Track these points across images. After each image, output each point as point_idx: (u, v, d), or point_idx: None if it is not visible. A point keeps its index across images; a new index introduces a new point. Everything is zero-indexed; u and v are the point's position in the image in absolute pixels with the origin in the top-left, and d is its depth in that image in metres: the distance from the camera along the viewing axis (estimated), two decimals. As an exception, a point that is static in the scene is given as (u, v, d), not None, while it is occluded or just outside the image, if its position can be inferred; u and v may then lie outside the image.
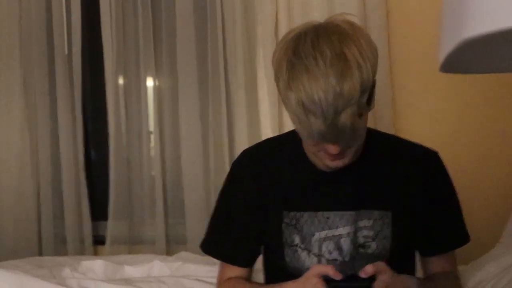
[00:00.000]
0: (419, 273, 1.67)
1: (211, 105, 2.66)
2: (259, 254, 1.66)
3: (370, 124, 1.46)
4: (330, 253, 1.51)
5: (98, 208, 2.88)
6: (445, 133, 2.39)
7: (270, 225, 1.56)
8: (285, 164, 1.58)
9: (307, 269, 1.47)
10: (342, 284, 1.38)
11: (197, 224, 2.62)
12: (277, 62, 1.37)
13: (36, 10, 2.82)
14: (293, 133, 1.49)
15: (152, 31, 2.77)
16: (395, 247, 1.52)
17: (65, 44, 2.83)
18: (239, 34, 2.54)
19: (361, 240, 1.50)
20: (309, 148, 1.45)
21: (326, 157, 1.42)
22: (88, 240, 2.81)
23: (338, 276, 1.36)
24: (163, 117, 2.80)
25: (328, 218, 1.51)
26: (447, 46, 0.65)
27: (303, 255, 1.52)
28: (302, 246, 1.52)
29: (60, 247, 2.83)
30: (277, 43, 1.42)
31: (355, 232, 1.50)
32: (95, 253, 2.84)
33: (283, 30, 2.45)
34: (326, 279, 1.37)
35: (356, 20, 1.43)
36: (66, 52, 2.83)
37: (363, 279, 1.35)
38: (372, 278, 1.35)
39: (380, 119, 2.37)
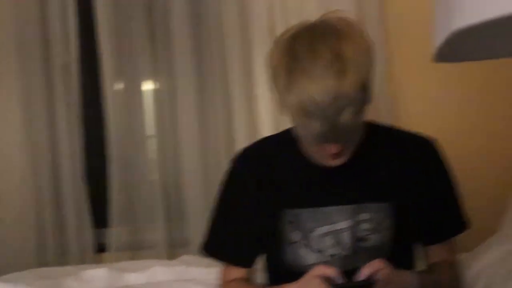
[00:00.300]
0: (419, 264, 1.66)
1: (209, 106, 2.66)
2: (260, 253, 1.65)
3: (369, 115, 1.47)
4: (331, 248, 1.51)
5: (99, 215, 2.87)
6: (444, 122, 2.39)
7: (270, 223, 1.56)
8: (283, 162, 1.58)
9: (309, 265, 1.48)
10: (344, 285, 1.38)
11: (198, 226, 2.59)
12: (274, 65, 1.37)
13: (31, 19, 2.80)
14: (290, 131, 1.50)
15: (148, 35, 2.76)
16: (395, 239, 1.52)
17: (62, 51, 2.81)
18: (235, 33, 2.55)
19: (361, 233, 1.50)
20: (309, 147, 1.46)
21: (326, 156, 1.43)
22: (91, 248, 2.80)
23: (339, 278, 1.37)
24: (162, 121, 2.80)
25: (328, 213, 1.51)
26: (439, 37, 0.66)
27: (304, 251, 1.52)
28: (302, 242, 1.52)
29: (63, 257, 2.81)
30: (273, 44, 1.42)
31: (355, 226, 1.50)
32: (98, 261, 2.82)
33: (278, 26, 2.45)
34: (328, 280, 1.37)
35: (350, 15, 1.42)
36: (63, 59, 2.81)
37: (364, 279, 1.36)
38: (373, 278, 1.35)
39: (378, 111, 2.37)
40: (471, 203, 1.69)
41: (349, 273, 1.41)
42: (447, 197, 1.59)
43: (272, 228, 1.56)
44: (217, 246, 1.65)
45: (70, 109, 2.80)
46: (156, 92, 2.80)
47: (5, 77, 2.81)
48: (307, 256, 1.52)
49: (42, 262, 2.79)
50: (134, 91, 2.80)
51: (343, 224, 1.50)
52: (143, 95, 2.80)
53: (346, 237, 1.50)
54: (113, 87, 2.75)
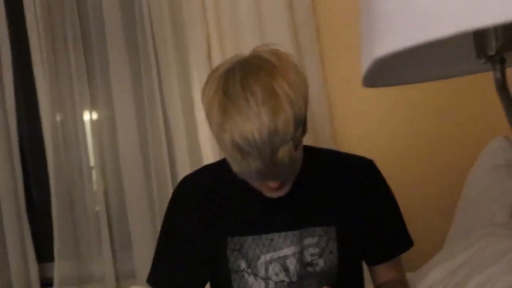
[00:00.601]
0: (368, 285, 1.67)
1: (150, 134, 2.64)
2: (206, 281, 1.64)
3: (310, 140, 1.47)
4: (277, 275, 1.50)
5: (44, 249, 2.82)
6: (385, 141, 2.42)
7: (215, 252, 1.54)
8: (226, 190, 1.57)
9: (256, 294, 1.47)
10: None
11: (145, 256, 2.58)
12: (208, 103, 1.35)
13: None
14: None
15: (84, 65, 2.73)
16: (342, 262, 1.52)
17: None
18: (173, 61, 2.54)
19: (308, 258, 1.50)
20: (249, 181, 1.45)
21: (266, 190, 1.43)
22: (35, 283, 2.74)
23: None
24: (103, 151, 2.76)
25: (272, 240, 1.50)
26: (364, 65, 0.66)
27: (251, 279, 1.51)
28: (248, 270, 1.51)
29: (7, 293, 2.76)
30: (207, 79, 1.40)
31: (301, 251, 1.50)
32: (43, 297, 2.77)
33: (215, 53, 2.46)
34: None
35: (282, 49, 1.42)
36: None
37: None
38: None
39: (319, 133, 2.39)
40: (414, 222, 1.71)
41: None
42: (389, 216, 1.60)
43: (217, 257, 1.54)
44: (162, 277, 1.62)
45: (9, 143, 2.75)
46: (95, 122, 2.77)
47: None
48: (254, 284, 1.51)
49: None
50: (73, 122, 2.76)
51: (287, 251, 1.50)
52: (82, 125, 2.76)
53: (292, 263, 1.50)
54: (52, 118, 2.71)
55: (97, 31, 2.73)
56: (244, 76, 1.31)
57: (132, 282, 2.59)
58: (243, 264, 1.51)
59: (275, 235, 1.50)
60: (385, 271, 1.62)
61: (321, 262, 1.50)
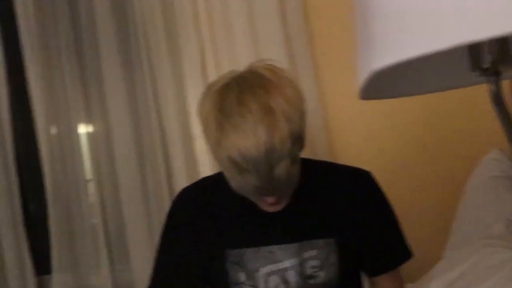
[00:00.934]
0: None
1: (146, 146, 2.64)
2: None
3: (306, 152, 1.47)
4: (276, 287, 1.50)
5: (41, 263, 2.81)
6: (381, 151, 2.42)
7: (214, 264, 1.54)
8: (224, 202, 1.57)
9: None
10: None
11: (143, 268, 2.57)
12: (204, 119, 1.35)
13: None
14: None
15: (79, 78, 2.73)
16: (342, 273, 1.52)
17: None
18: (167, 73, 2.53)
19: (308, 271, 1.50)
20: (247, 196, 1.45)
21: (264, 205, 1.44)
22: (34, 297, 2.73)
23: None
24: (99, 163, 2.76)
25: (271, 252, 1.50)
26: (361, 77, 0.67)
27: (250, 292, 1.51)
28: (247, 283, 1.51)
29: (4, 308, 2.74)
30: (202, 95, 1.40)
31: (301, 264, 1.50)
32: (42, 310, 2.76)
33: (209, 66, 2.46)
34: None
35: (278, 64, 1.42)
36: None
37: None
38: None
39: (316, 145, 2.39)
40: (413, 233, 1.71)
41: None
42: (388, 227, 1.61)
43: (216, 269, 1.54)
44: (160, 288, 1.63)
45: (5, 158, 2.74)
46: (91, 134, 2.77)
47: None
48: (253, 296, 1.51)
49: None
50: (69, 135, 2.76)
51: (287, 263, 1.50)
52: (78, 138, 2.76)
53: (291, 276, 1.50)
54: (47, 131, 2.71)
55: (90, 43, 2.72)
56: (240, 92, 1.31)
57: (130, 294, 2.59)
58: (242, 277, 1.51)
59: (274, 248, 1.50)
60: (384, 282, 1.62)
61: (322, 274, 1.50)
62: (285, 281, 1.50)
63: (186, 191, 1.67)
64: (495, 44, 0.71)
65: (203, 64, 2.49)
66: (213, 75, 2.41)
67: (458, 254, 1.66)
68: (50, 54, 2.74)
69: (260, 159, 1.25)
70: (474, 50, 0.73)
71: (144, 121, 2.64)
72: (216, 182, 1.62)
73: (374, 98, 0.81)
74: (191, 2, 2.50)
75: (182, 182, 2.46)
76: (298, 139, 1.32)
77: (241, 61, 2.33)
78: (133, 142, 2.65)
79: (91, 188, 2.76)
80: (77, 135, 2.75)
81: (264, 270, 1.50)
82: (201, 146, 2.49)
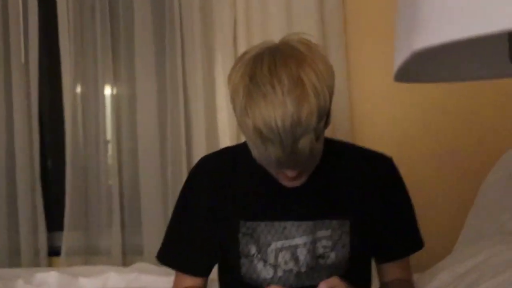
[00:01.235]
0: (375, 281, 1.68)
1: (169, 114, 2.65)
2: (215, 263, 1.65)
3: (329, 132, 1.47)
4: (286, 263, 1.50)
5: (54, 218, 2.85)
6: (402, 139, 2.42)
7: (227, 234, 1.55)
8: (243, 174, 1.58)
9: (264, 279, 1.48)
10: None
11: (154, 234, 2.60)
12: (234, 86, 1.35)
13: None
14: None
15: (110, 39, 2.75)
16: (353, 256, 1.53)
17: (22, 52, 2.78)
18: (198, 42, 2.54)
19: (320, 250, 1.50)
20: (267, 168, 1.45)
21: (283, 179, 1.44)
22: (43, 251, 2.77)
23: None
24: (120, 126, 2.78)
25: (285, 228, 1.51)
26: (400, 57, 0.66)
27: (260, 265, 1.52)
28: (258, 256, 1.51)
29: (14, 259, 2.78)
30: (234, 63, 1.41)
31: (313, 243, 1.50)
32: (50, 265, 2.79)
33: (241, 38, 2.46)
34: None
35: (312, 39, 1.42)
36: (23, 60, 2.79)
37: None
38: None
39: (338, 126, 2.39)
40: (427, 223, 1.72)
41: None
42: (403, 215, 1.60)
43: (228, 240, 1.55)
44: (171, 254, 1.64)
45: (29, 111, 2.77)
46: (115, 97, 2.79)
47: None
48: (263, 270, 1.51)
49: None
50: (94, 95, 2.78)
51: (299, 240, 1.50)
52: (103, 99, 2.78)
53: (302, 254, 1.50)
54: (73, 90, 2.73)
55: (125, 6, 2.75)
56: (273, 63, 1.31)
57: (139, 258, 2.61)
58: (253, 249, 1.51)
59: (288, 224, 1.50)
60: (392, 270, 1.62)
61: (332, 255, 1.51)
62: (295, 258, 1.50)
63: (207, 159, 1.67)
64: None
65: (235, 36, 2.48)
66: (243, 48, 2.40)
67: (470, 249, 1.65)
68: (84, 14, 2.76)
69: (285, 130, 1.26)
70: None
71: (169, 89, 2.66)
72: (237, 153, 1.62)
73: (410, 81, 0.80)
74: (228, -28, 2.49)
75: (201, 152, 2.47)
76: (324, 115, 1.32)
77: (273, 36, 2.32)
78: (156, 109, 2.66)
79: (110, 150, 2.78)
80: (102, 96, 2.77)
81: (276, 245, 1.51)
82: (223, 117, 2.50)
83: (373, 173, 1.56)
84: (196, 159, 2.46)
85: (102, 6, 2.74)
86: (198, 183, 1.61)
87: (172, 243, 1.64)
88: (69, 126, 2.72)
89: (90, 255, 2.76)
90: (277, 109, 1.25)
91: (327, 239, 1.50)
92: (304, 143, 1.29)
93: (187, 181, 1.65)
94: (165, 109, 2.67)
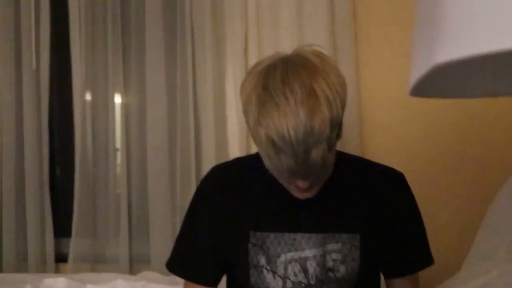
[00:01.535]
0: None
1: (178, 123, 2.65)
2: (224, 273, 1.64)
3: (339, 145, 1.47)
4: (295, 275, 1.50)
5: (62, 225, 2.85)
6: (412, 154, 2.41)
7: (236, 244, 1.55)
8: (254, 184, 1.58)
9: (272, 291, 1.48)
10: None
11: (161, 243, 2.60)
12: (246, 96, 1.36)
13: (4, 24, 2.80)
14: None
15: (121, 48, 2.76)
16: (363, 270, 1.52)
17: (33, 58, 2.80)
18: (208, 52, 2.54)
19: (330, 263, 1.50)
20: (278, 178, 1.45)
21: (295, 190, 1.44)
22: (50, 257, 2.77)
23: None
24: (130, 134, 2.79)
25: (294, 239, 1.51)
26: (418, 71, 0.64)
27: (269, 276, 1.51)
28: (267, 267, 1.51)
29: (21, 264, 2.78)
30: (247, 73, 1.41)
31: (323, 255, 1.50)
32: (57, 271, 2.80)
33: (252, 49, 2.46)
34: None
35: (324, 51, 1.42)
36: (34, 67, 2.80)
37: None
38: None
39: (348, 141, 2.39)
40: (434, 238, 1.71)
41: None
42: (413, 231, 1.60)
43: (238, 250, 1.55)
44: (181, 263, 1.64)
45: (39, 118, 2.78)
46: (125, 105, 2.79)
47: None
48: (272, 281, 1.51)
49: (0, 268, 2.76)
50: (104, 103, 2.79)
51: (309, 253, 1.50)
52: (113, 107, 2.79)
53: (311, 266, 1.50)
54: (83, 97, 2.74)
55: (137, 13, 2.76)
56: (285, 73, 1.32)
57: (146, 267, 2.61)
58: (262, 260, 1.51)
59: (298, 235, 1.50)
60: (401, 285, 1.61)
61: (342, 268, 1.50)
62: (305, 270, 1.50)
63: (218, 168, 1.67)
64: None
65: (245, 46, 2.48)
66: (254, 58, 2.40)
67: (480, 265, 1.64)
68: (95, 22, 2.77)
69: (298, 140, 1.26)
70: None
71: (179, 97, 2.66)
72: (248, 164, 1.62)
73: (427, 96, 0.79)
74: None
75: (210, 161, 2.47)
76: (336, 126, 1.32)
77: (284, 47, 2.32)
78: (166, 118, 2.67)
79: (119, 158, 2.78)
80: (112, 104, 2.78)
81: (285, 256, 1.51)
82: (233, 127, 2.50)
83: (384, 188, 1.56)
84: (205, 168, 2.48)
85: (114, 15, 2.75)
86: (209, 192, 1.61)
87: (182, 252, 1.64)
88: (78, 133, 2.73)
89: (97, 262, 2.76)
90: (290, 119, 1.26)
91: (337, 252, 1.50)
92: (317, 153, 1.29)
93: (198, 190, 1.65)
94: (175, 118, 2.67)
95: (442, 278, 1.75)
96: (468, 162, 2.38)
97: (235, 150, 2.48)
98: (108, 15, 2.75)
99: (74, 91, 2.74)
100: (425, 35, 0.63)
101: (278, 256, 1.51)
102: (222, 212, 1.56)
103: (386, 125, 2.45)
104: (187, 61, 2.62)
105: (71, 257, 2.72)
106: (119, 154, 2.80)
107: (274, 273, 1.51)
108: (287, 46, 2.29)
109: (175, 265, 1.64)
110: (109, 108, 2.79)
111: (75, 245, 2.72)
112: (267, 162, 1.37)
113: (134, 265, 2.72)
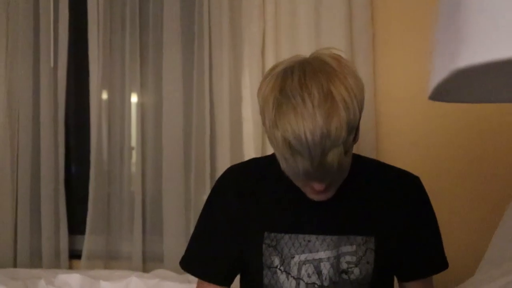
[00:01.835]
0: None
1: (194, 123, 2.66)
2: (238, 272, 1.65)
3: (354, 148, 1.47)
4: (309, 276, 1.51)
5: (76, 222, 2.87)
6: (427, 158, 2.41)
7: (250, 244, 1.55)
8: (269, 185, 1.58)
9: (285, 292, 1.48)
10: None
11: (174, 242, 2.61)
12: (264, 98, 1.36)
13: (23, 22, 2.82)
14: None
15: (138, 47, 2.77)
16: (377, 273, 1.52)
17: (51, 56, 2.82)
18: (226, 53, 2.54)
19: (344, 265, 1.50)
20: (294, 180, 1.46)
21: (310, 192, 1.44)
22: (64, 254, 2.79)
23: None
24: (145, 134, 2.80)
25: (309, 241, 1.51)
26: (439, 75, 0.64)
27: (282, 277, 1.52)
28: (281, 268, 1.52)
29: (35, 261, 2.80)
30: (264, 75, 1.42)
31: (337, 257, 1.50)
32: (71, 267, 2.81)
33: (269, 51, 2.46)
34: None
35: (343, 54, 1.43)
36: (52, 65, 2.82)
37: None
38: None
39: (363, 144, 2.39)
40: (449, 242, 1.71)
41: None
42: (428, 235, 1.60)
43: (252, 250, 1.55)
44: (195, 261, 1.64)
45: (55, 116, 2.79)
46: (141, 104, 2.80)
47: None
48: (285, 282, 1.51)
49: (14, 264, 2.78)
50: (120, 102, 2.80)
51: (323, 254, 1.50)
52: (129, 106, 2.80)
53: (325, 268, 1.50)
54: (100, 96, 2.75)
55: (155, 13, 2.77)
56: (303, 76, 1.32)
57: (159, 265, 2.62)
58: (276, 261, 1.52)
59: (312, 237, 1.51)
60: (415, 288, 1.62)
61: (356, 271, 1.50)
62: (319, 272, 1.50)
63: (234, 168, 1.68)
64: None
65: (263, 49, 2.49)
66: (271, 61, 2.41)
67: (495, 270, 1.64)
68: (114, 22, 2.79)
69: (314, 143, 1.26)
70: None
71: (196, 97, 2.67)
72: (264, 164, 1.63)
73: (446, 101, 0.79)
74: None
75: (225, 162, 2.47)
76: (353, 129, 1.32)
77: (301, 49, 2.32)
78: (181, 118, 2.67)
79: (134, 157, 2.79)
80: (128, 103, 2.79)
81: (299, 257, 1.51)
82: (248, 128, 2.50)
83: (400, 192, 1.56)
84: (219, 169, 2.49)
85: (132, 15, 2.77)
86: (225, 192, 1.61)
87: (196, 250, 1.64)
88: (94, 131, 2.75)
89: (111, 259, 2.78)
90: (307, 122, 1.26)
91: (351, 254, 1.50)
92: (333, 156, 1.29)
93: (213, 190, 1.66)
94: (191, 118, 2.68)
95: (456, 283, 1.75)
96: (483, 166, 2.37)
97: (250, 150, 2.48)
98: (126, 15, 2.77)
99: (91, 90, 2.75)
100: (446, 39, 0.63)
101: (292, 257, 1.51)
102: (237, 212, 1.57)
103: (402, 129, 2.44)
104: (204, 61, 2.63)
105: (84, 253, 2.74)
106: (134, 153, 2.81)
107: (287, 274, 1.51)
108: (304, 49, 2.30)
109: (189, 264, 1.65)
110: (125, 107, 2.80)
111: (89, 242, 2.74)
112: (283, 164, 1.37)
113: (147, 262, 2.73)
